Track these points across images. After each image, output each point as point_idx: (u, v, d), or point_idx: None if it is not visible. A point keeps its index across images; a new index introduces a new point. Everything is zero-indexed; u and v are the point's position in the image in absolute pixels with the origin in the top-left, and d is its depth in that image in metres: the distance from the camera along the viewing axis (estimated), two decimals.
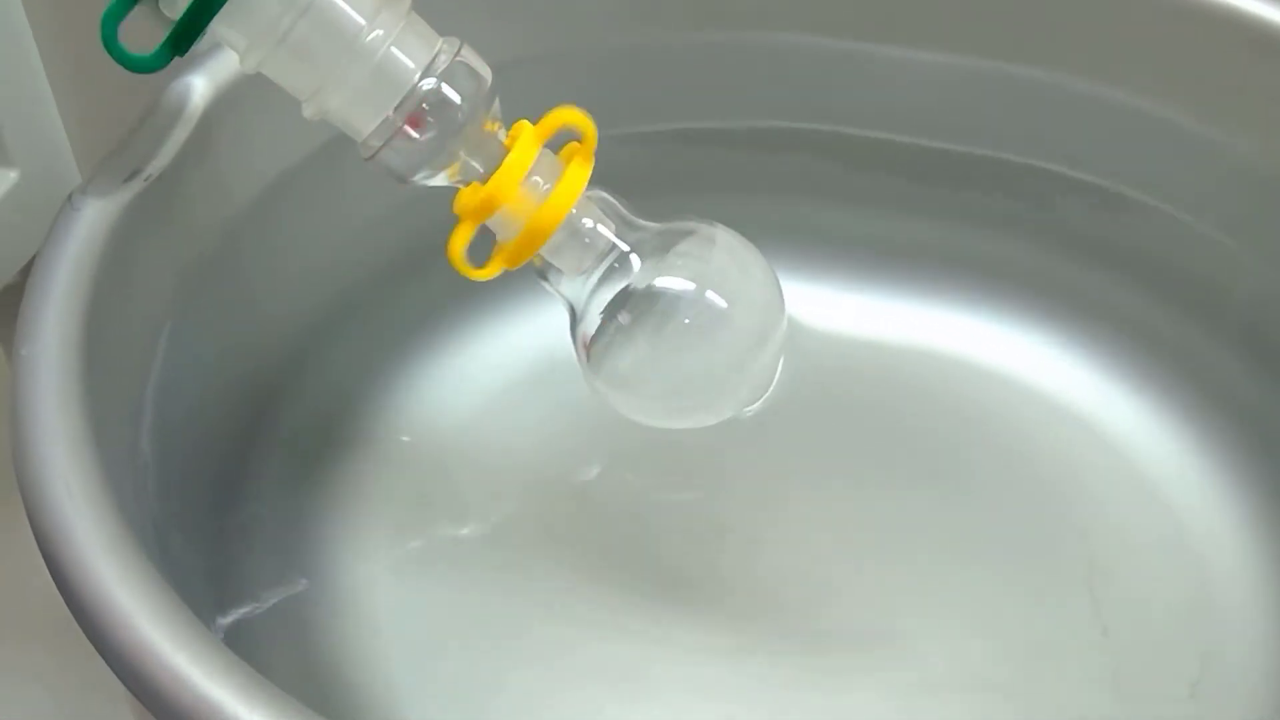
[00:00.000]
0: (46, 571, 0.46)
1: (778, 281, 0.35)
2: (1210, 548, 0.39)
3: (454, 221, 0.33)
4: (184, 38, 0.31)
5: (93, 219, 0.33)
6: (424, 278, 0.42)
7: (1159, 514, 0.40)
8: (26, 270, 0.48)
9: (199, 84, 0.36)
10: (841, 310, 0.44)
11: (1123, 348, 0.43)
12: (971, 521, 0.40)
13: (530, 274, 0.34)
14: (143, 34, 0.31)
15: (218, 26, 0.30)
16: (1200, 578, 0.39)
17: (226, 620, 0.36)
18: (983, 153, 0.43)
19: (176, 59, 0.31)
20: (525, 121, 0.33)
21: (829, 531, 0.40)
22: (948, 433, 0.42)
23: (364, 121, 0.31)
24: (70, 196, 0.34)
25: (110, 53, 0.31)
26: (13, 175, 0.47)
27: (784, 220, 0.43)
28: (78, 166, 0.49)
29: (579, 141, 0.33)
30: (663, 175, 0.43)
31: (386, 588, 0.38)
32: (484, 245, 0.34)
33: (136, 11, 0.31)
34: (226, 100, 0.36)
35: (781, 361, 0.35)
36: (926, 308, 0.44)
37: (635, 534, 0.40)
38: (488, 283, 0.41)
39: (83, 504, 0.27)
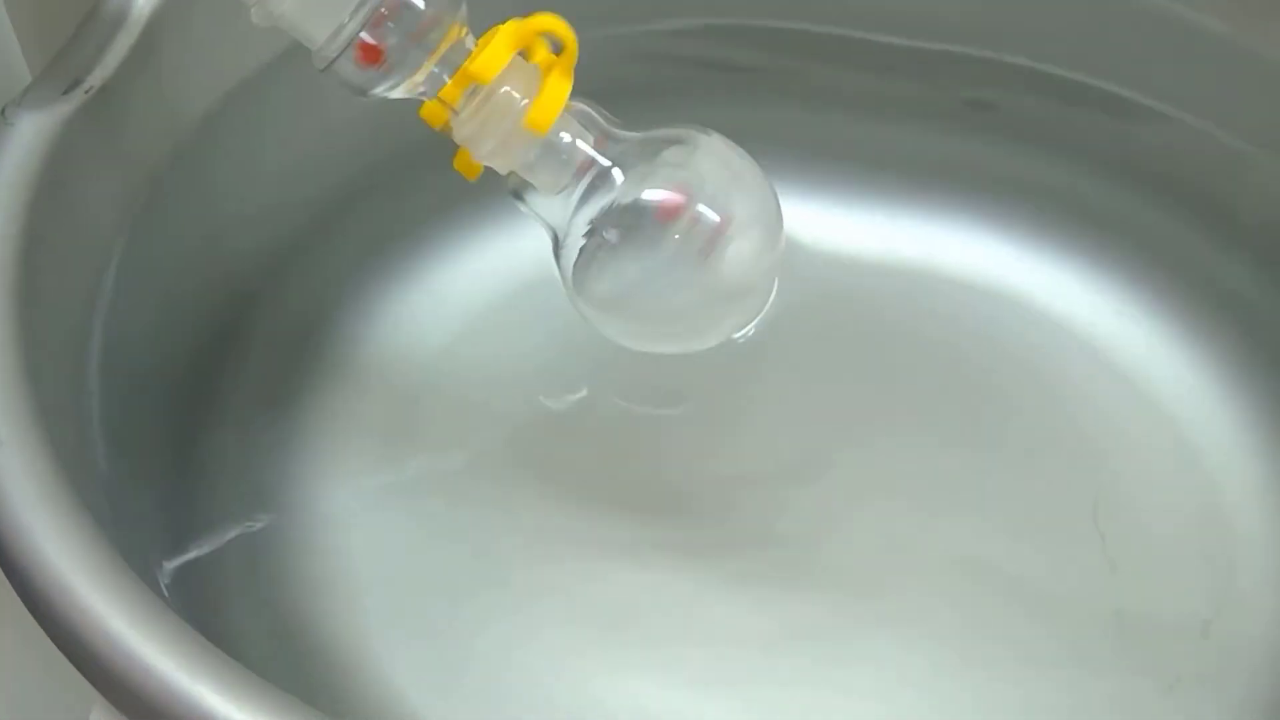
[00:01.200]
0: None
1: (774, 193, 0.32)
2: (1223, 473, 0.37)
3: (426, 130, 0.30)
4: None
5: (29, 135, 0.31)
6: (396, 193, 0.40)
7: (1171, 444, 0.38)
8: None
9: None
10: (838, 227, 0.41)
11: (1132, 264, 0.40)
12: (973, 449, 0.38)
13: (501, 189, 0.32)
14: None
15: None
16: (1213, 507, 0.37)
17: (182, 560, 0.34)
18: (990, 55, 0.40)
19: None
20: (499, 25, 0.30)
21: (825, 461, 0.38)
22: (948, 355, 0.39)
23: (318, 27, 0.29)
24: (3, 111, 0.31)
25: None
26: None
27: (772, 128, 0.40)
28: (28, 68, 0.47)
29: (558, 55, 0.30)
30: (636, 82, 0.40)
31: (358, 524, 0.36)
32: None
33: None
34: (173, 4, 0.34)
35: (777, 281, 0.33)
36: (929, 224, 0.41)
37: (621, 465, 0.38)
38: (460, 198, 0.38)
39: (13, 451, 0.25)
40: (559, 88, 0.30)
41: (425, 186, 0.39)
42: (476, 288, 0.40)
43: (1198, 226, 0.40)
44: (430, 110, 0.30)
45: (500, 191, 0.32)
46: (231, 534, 0.35)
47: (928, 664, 0.34)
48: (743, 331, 0.33)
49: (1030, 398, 0.39)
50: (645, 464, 0.38)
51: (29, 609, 0.24)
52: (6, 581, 0.25)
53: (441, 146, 0.32)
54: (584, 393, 0.39)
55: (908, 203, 0.42)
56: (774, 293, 0.33)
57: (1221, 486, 0.37)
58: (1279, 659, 0.34)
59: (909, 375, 0.39)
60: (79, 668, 0.23)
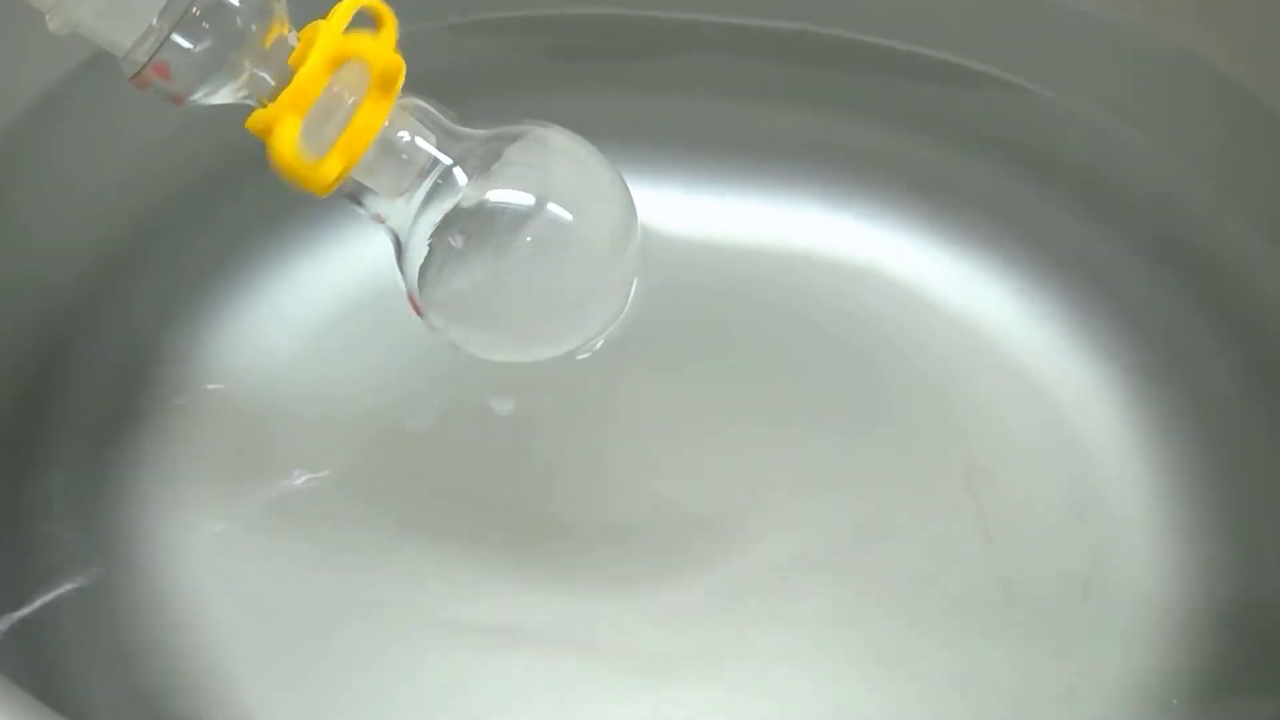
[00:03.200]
0: None
1: (626, 186, 0.31)
2: (1091, 439, 0.37)
3: (246, 138, 0.28)
4: None
5: None
6: (226, 202, 0.38)
7: (1038, 407, 0.38)
8: None
9: None
10: (694, 213, 0.40)
11: (993, 236, 0.40)
12: (847, 432, 0.37)
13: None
14: None
15: None
16: (1083, 471, 0.37)
17: (22, 614, 0.31)
18: (830, 32, 0.40)
19: None
20: (320, 22, 0.28)
21: (695, 456, 0.37)
22: (817, 338, 0.39)
23: (124, 33, 0.27)
24: None
25: None
26: None
27: (619, 117, 0.39)
28: None
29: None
30: (475, 72, 0.38)
31: (208, 564, 0.34)
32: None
33: None
34: None
35: (636, 277, 0.31)
36: (785, 205, 0.41)
37: (479, 481, 0.36)
38: (293, 205, 0.36)
39: None
40: (377, 103, 0.28)
41: (248, 200, 0.37)
42: (317, 300, 0.38)
43: (1059, 200, 0.40)
44: (257, 118, 0.28)
45: (332, 199, 0.30)
46: (67, 586, 0.33)
47: (817, 648, 0.34)
48: (605, 333, 0.31)
49: (899, 375, 0.38)
50: (507, 475, 0.36)
51: None
52: None
53: (264, 155, 0.30)
54: (438, 405, 0.37)
55: (760, 184, 0.41)
56: (633, 290, 0.32)
57: (1089, 450, 0.37)
58: (1156, 607, 0.34)
59: (776, 359, 0.38)
60: None
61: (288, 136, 0.27)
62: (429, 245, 0.29)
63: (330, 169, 0.28)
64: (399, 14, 0.36)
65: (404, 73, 0.28)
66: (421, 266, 0.30)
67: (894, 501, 0.36)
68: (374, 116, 0.28)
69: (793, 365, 0.38)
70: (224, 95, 0.28)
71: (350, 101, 0.28)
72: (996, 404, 0.38)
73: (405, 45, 0.29)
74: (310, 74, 0.27)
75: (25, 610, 0.32)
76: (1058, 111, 0.39)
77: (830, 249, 0.40)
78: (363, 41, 0.28)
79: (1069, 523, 0.36)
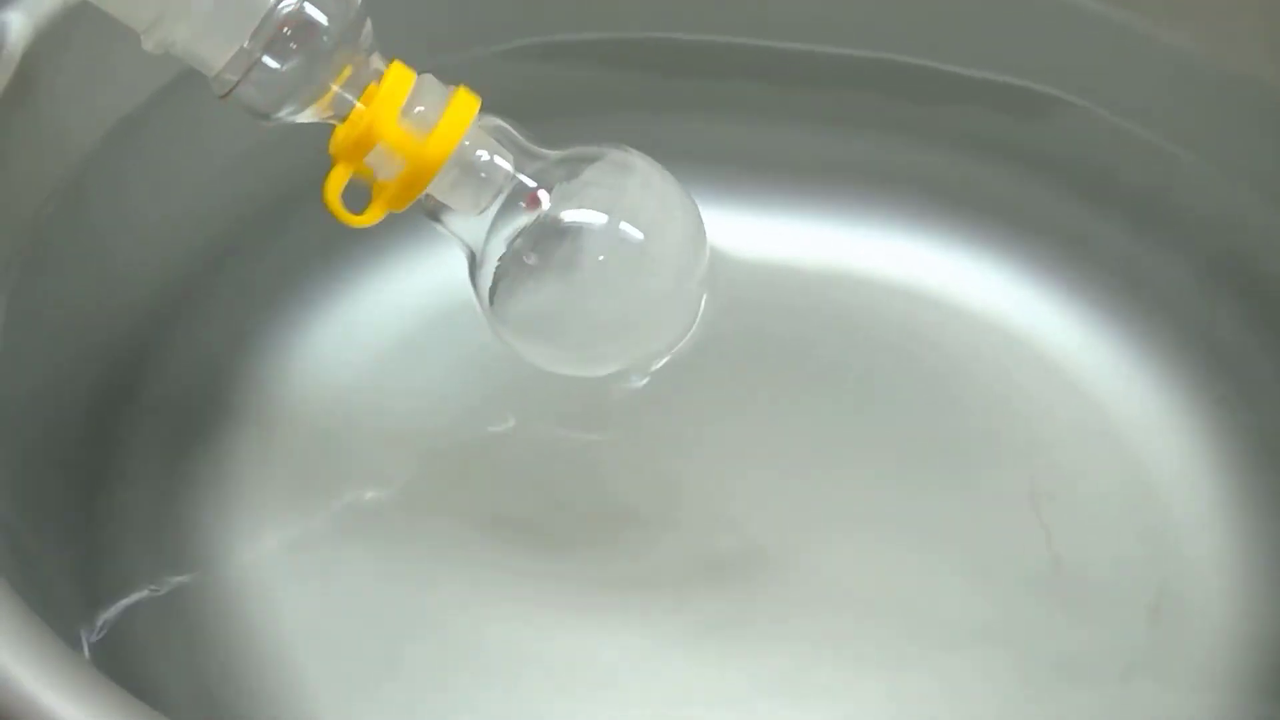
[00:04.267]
0: None
1: (696, 208, 0.31)
2: (1161, 467, 0.37)
3: (329, 158, 0.29)
4: None
5: None
6: (300, 223, 0.38)
7: (1106, 433, 0.38)
8: None
9: (15, 21, 0.32)
10: (763, 236, 0.41)
11: (1050, 257, 0.40)
12: (915, 454, 0.37)
13: (414, 219, 0.31)
14: None
15: None
16: (1146, 486, 0.37)
17: (102, 622, 0.32)
18: (897, 59, 0.40)
19: None
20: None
21: (762, 471, 0.37)
22: (880, 359, 0.39)
23: (216, 53, 0.27)
24: None
25: None
26: None
27: (692, 142, 0.39)
28: None
29: None
30: (558, 97, 0.39)
31: (277, 571, 0.34)
32: (364, 188, 0.30)
33: None
34: (50, 38, 0.32)
35: (705, 297, 0.32)
36: (852, 230, 0.41)
37: (544, 498, 0.36)
38: (375, 229, 0.37)
39: None
40: (467, 101, 0.29)
41: (315, 223, 0.37)
42: (388, 318, 0.39)
43: (1118, 221, 0.40)
44: (343, 136, 0.29)
45: (406, 217, 0.31)
46: (143, 594, 0.33)
47: (885, 653, 0.34)
48: (673, 351, 0.32)
49: (961, 393, 0.38)
50: (573, 492, 0.36)
51: None
52: None
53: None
54: (510, 421, 0.37)
55: (827, 209, 0.41)
56: (702, 308, 0.32)
57: (1157, 476, 0.37)
58: (1226, 634, 0.34)
59: (840, 378, 0.39)
60: None
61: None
62: (502, 260, 0.30)
63: (437, 150, 0.28)
64: (454, 40, 0.36)
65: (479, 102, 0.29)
66: (494, 281, 0.30)
67: (960, 519, 0.36)
68: (466, 109, 0.28)
69: (858, 385, 0.39)
70: (308, 115, 0.29)
71: (433, 116, 0.29)
72: (1065, 430, 0.38)
73: (462, 71, 0.30)
74: (393, 88, 0.28)
75: (106, 617, 0.32)
76: (1116, 135, 0.39)
77: (892, 274, 0.41)
78: None
79: (1138, 548, 0.36)
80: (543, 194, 0.30)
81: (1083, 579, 0.35)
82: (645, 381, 0.33)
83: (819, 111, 0.41)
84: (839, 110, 0.41)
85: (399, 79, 0.29)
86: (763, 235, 0.41)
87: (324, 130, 0.29)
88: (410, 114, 0.28)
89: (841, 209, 0.41)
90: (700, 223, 0.31)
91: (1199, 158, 0.39)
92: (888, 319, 0.40)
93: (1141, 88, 0.39)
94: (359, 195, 0.30)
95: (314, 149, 0.30)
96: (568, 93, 0.40)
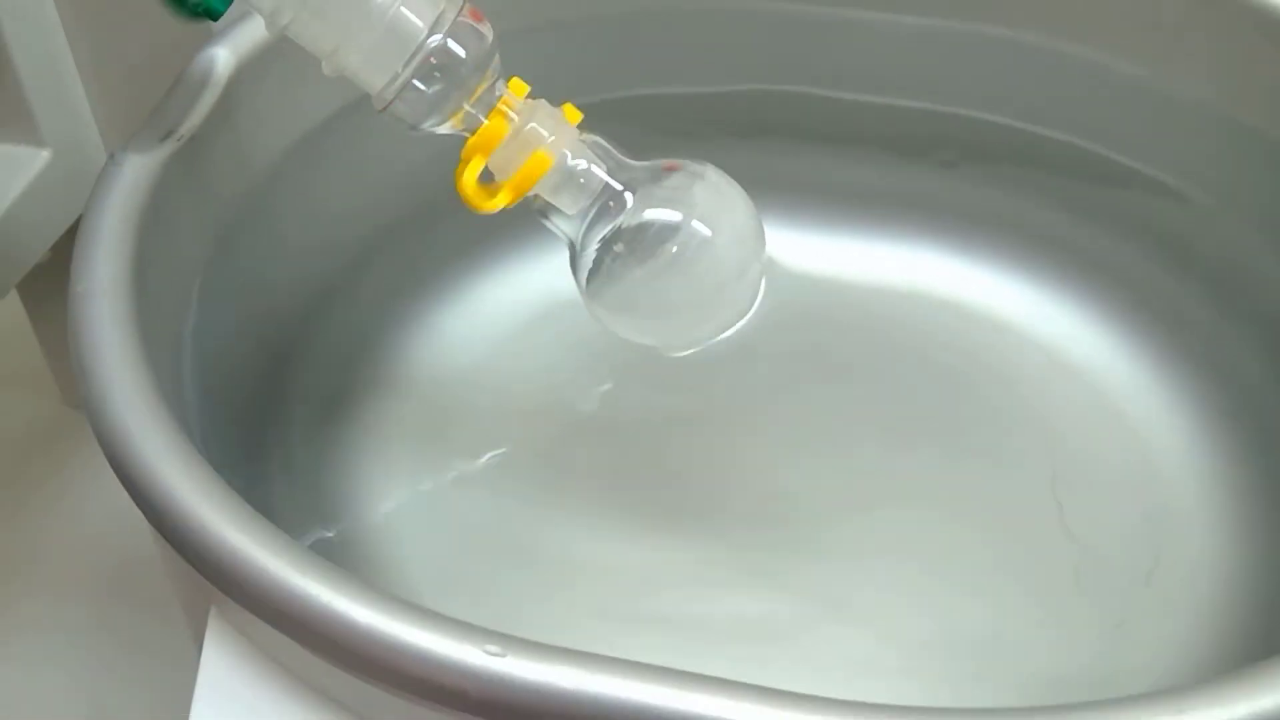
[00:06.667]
0: (85, 536, 0.50)
1: (757, 214, 0.38)
2: (1159, 450, 0.43)
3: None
4: None
5: (133, 174, 0.36)
6: (435, 230, 0.46)
7: (1117, 429, 0.43)
8: (56, 248, 0.52)
9: (223, 54, 0.40)
10: (818, 252, 0.48)
11: (1080, 280, 0.46)
12: (946, 440, 0.44)
13: (528, 226, 0.38)
14: None
15: None
16: (1152, 478, 0.42)
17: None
18: (956, 111, 0.47)
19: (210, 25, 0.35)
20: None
21: (810, 456, 0.43)
22: (920, 360, 0.45)
23: (378, 76, 0.35)
24: (113, 154, 0.37)
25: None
26: (45, 155, 0.50)
27: (768, 172, 0.46)
28: (104, 149, 0.53)
29: None
30: (654, 134, 0.46)
31: (409, 517, 0.42)
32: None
33: None
34: (248, 68, 0.40)
35: (764, 285, 0.38)
36: (902, 250, 0.48)
37: (629, 462, 0.43)
38: (492, 233, 0.44)
39: (149, 421, 0.31)
40: (569, 119, 0.36)
41: (459, 223, 0.45)
42: (504, 309, 0.46)
43: (1148, 255, 0.46)
44: (473, 144, 0.36)
45: (521, 229, 0.38)
46: (304, 538, 0.40)
47: (913, 593, 0.40)
48: (734, 328, 0.39)
49: (994, 395, 0.44)
50: (653, 460, 0.43)
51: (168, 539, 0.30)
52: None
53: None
54: (598, 400, 0.44)
55: (883, 233, 0.48)
56: (760, 296, 0.39)
57: (1158, 462, 0.42)
58: (1209, 598, 0.39)
59: (887, 378, 0.45)
60: (201, 570, 0.29)
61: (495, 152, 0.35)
62: (597, 251, 0.37)
63: (527, 180, 0.36)
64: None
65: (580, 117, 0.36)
66: (590, 269, 0.37)
67: (988, 501, 0.42)
68: (557, 143, 0.36)
69: (902, 384, 0.45)
70: (446, 127, 0.36)
71: (543, 133, 0.36)
72: (1081, 424, 0.44)
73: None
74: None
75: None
76: (1151, 184, 0.45)
77: (943, 291, 0.47)
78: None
79: (1137, 524, 0.41)
80: (629, 197, 0.37)
81: (1089, 546, 0.41)
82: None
83: (879, 152, 0.47)
84: (894, 152, 0.47)
85: (511, 96, 0.36)
86: (821, 252, 0.48)
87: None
88: (526, 128, 0.36)
89: (900, 236, 0.48)
90: (759, 225, 0.38)
91: (1206, 197, 0.45)
92: (934, 330, 0.46)
93: (1180, 145, 0.45)
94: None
95: (449, 172, 0.37)
96: (663, 132, 0.47)
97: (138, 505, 0.30)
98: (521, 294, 0.46)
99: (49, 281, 0.54)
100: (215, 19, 0.35)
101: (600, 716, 0.26)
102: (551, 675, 0.26)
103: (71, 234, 0.52)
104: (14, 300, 0.56)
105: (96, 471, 0.61)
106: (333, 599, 0.27)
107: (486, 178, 0.36)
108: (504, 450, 0.43)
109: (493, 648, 0.26)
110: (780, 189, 0.46)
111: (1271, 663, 0.26)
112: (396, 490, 0.43)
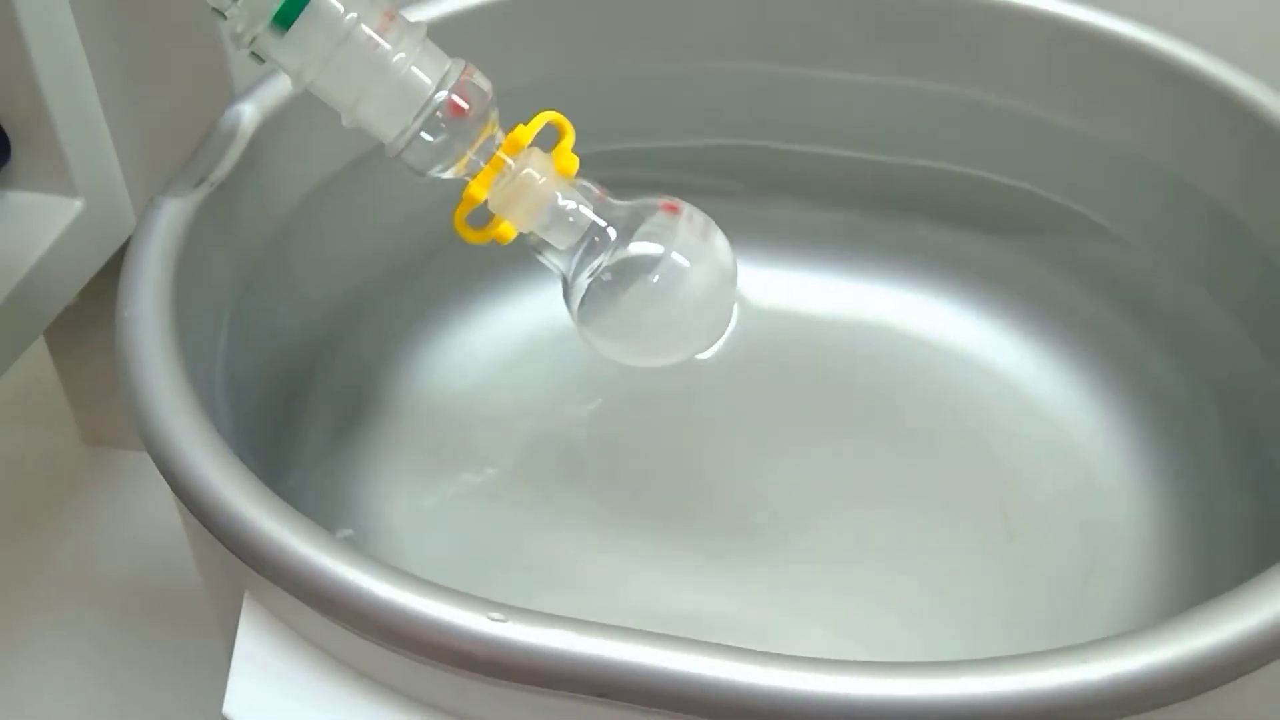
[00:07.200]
0: (103, 561, 0.53)
1: (730, 249, 0.42)
2: (1097, 467, 0.47)
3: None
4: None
5: (171, 214, 0.41)
6: (439, 269, 0.50)
7: (1057, 446, 0.48)
8: (85, 293, 0.56)
9: (249, 110, 0.44)
10: (784, 287, 0.52)
11: (1026, 313, 0.51)
12: (902, 457, 0.48)
13: (518, 264, 0.42)
14: None
15: (278, 55, 0.38)
16: (1089, 491, 0.46)
17: None
18: (907, 161, 0.52)
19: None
20: (520, 125, 0.41)
21: (776, 466, 0.47)
22: (880, 386, 0.50)
23: (390, 127, 0.39)
24: (153, 198, 0.41)
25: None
26: (78, 204, 0.55)
27: (739, 216, 0.49)
28: (130, 199, 0.57)
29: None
30: (638, 183, 0.50)
31: (414, 528, 0.45)
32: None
33: None
34: (272, 123, 0.44)
35: (736, 311, 0.43)
36: (856, 286, 0.53)
37: (614, 476, 0.47)
38: (487, 271, 0.49)
39: (191, 425, 0.35)
40: (560, 167, 0.40)
41: (458, 262, 0.50)
42: (501, 339, 0.51)
43: (1083, 286, 0.51)
44: (472, 189, 0.40)
45: (512, 267, 0.43)
46: None
47: (870, 586, 0.44)
48: (710, 350, 0.43)
49: (946, 417, 0.49)
50: (636, 472, 0.47)
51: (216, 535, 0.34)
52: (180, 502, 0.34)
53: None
54: (587, 421, 0.49)
55: (843, 271, 0.52)
56: (733, 322, 0.43)
57: (1095, 476, 0.47)
58: (1139, 600, 0.43)
59: (847, 401, 0.49)
60: (237, 554, 0.33)
61: (494, 196, 0.40)
62: (587, 282, 0.41)
63: (519, 222, 0.40)
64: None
65: (576, 159, 0.41)
66: (581, 298, 0.42)
67: (941, 512, 0.46)
68: (549, 186, 0.40)
69: (862, 408, 0.49)
70: (450, 173, 0.40)
71: (538, 178, 0.40)
72: (1026, 442, 0.48)
73: None
74: (515, 140, 0.40)
75: None
76: (1081, 223, 0.50)
77: (900, 323, 0.52)
78: (551, 114, 0.40)
79: (1075, 532, 0.45)
80: (614, 233, 0.41)
81: (1030, 549, 0.45)
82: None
83: (839, 200, 0.52)
84: (852, 199, 0.52)
85: (504, 154, 0.40)
86: (789, 288, 0.53)
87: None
88: (521, 174, 0.40)
89: (864, 274, 0.52)
90: (732, 259, 0.42)
91: (1135, 237, 0.49)
92: (890, 359, 0.50)
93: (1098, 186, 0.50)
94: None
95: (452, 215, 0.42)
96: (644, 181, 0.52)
97: (182, 500, 0.34)
98: (515, 325, 0.51)
99: (74, 324, 0.59)
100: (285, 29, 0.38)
101: (589, 673, 0.30)
102: (546, 638, 0.30)
103: (98, 279, 0.56)
104: (37, 341, 0.60)
105: (113, 504, 0.65)
106: (357, 576, 0.31)
107: (486, 216, 0.40)
108: (502, 466, 0.48)
109: (496, 615, 0.30)
110: (749, 231, 0.50)
111: (1166, 623, 0.30)
112: (401, 504, 0.47)
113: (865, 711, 0.29)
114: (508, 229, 0.40)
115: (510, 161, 0.40)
